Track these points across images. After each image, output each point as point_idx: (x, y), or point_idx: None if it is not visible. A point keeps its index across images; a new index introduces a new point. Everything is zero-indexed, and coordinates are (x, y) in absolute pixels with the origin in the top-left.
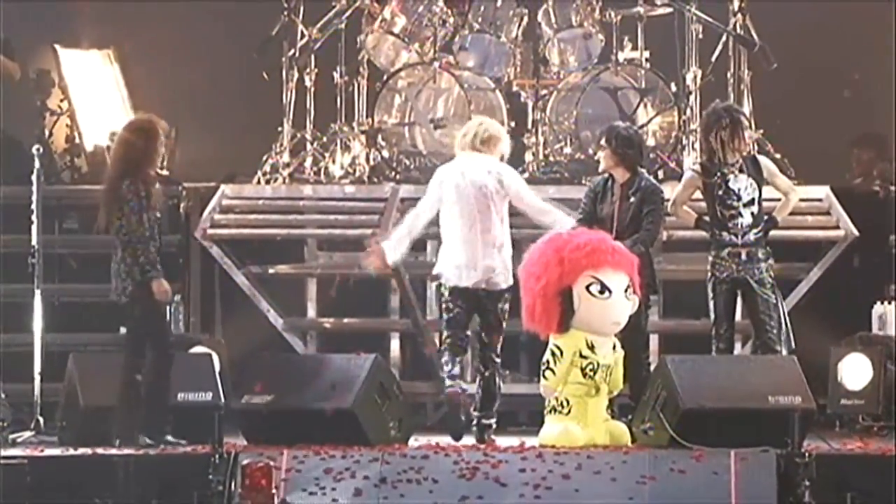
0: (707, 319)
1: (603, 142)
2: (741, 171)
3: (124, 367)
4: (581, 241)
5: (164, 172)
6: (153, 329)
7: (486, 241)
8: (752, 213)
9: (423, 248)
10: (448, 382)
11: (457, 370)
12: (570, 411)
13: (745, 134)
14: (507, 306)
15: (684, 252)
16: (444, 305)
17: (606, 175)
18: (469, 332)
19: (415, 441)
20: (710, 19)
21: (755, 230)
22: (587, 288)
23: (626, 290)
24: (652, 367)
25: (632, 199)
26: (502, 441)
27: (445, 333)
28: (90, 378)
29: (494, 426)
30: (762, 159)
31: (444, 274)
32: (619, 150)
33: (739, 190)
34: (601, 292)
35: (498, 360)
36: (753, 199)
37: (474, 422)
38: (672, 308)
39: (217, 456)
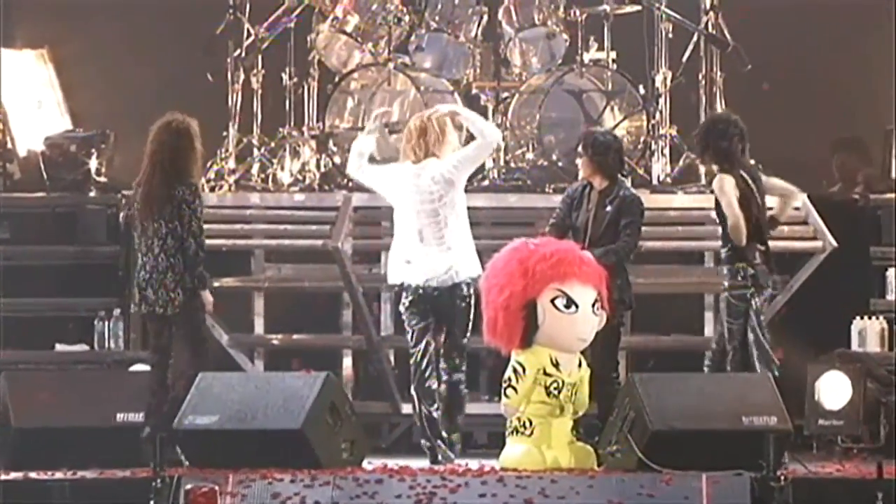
0: (677, 335)
1: (580, 148)
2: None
3: (173, 384)
4: (547, 251)
5: (102, 179)
6: (198, 342)
7: (440, 245)
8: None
9: (377, 260)
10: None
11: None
12: (532, 432)
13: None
14: (467, 302)
15: (654, 264)
16: (404, 312)
17: (585, 182)
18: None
19: (368, 464)
20: (680, 18)
21: (723, 248)
22: (552, 301)
23: (593, 305)
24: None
25: (608, 209)
26: (461, 464)
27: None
28: (22, 398)
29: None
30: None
31: (394, 276)
32: (595, 157)
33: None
34: (567, 306)
35: (462, 365)
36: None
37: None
38: (641, 323)
39: (159, 480)
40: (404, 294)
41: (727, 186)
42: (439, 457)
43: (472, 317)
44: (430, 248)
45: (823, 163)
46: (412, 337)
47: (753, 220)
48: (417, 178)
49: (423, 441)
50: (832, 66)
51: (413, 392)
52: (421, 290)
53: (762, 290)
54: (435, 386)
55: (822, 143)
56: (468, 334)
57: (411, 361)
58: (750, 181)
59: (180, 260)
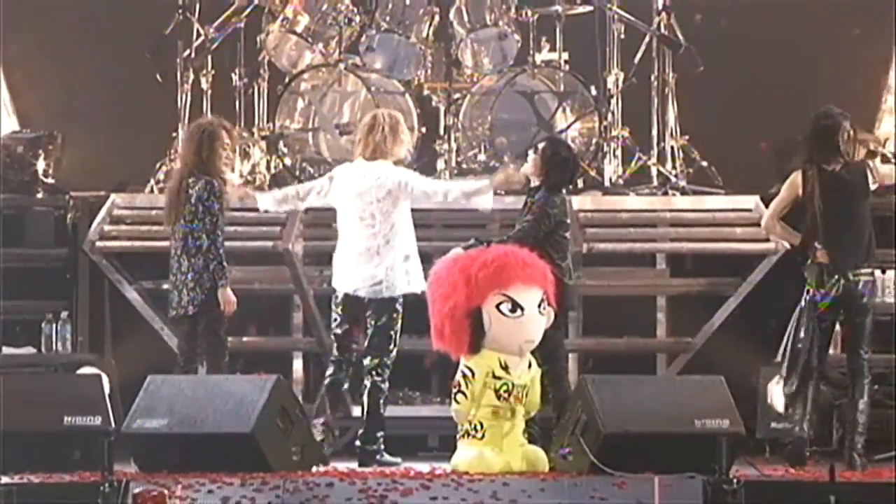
0: (630, 337)
1: (541, 146)
2: None
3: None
4: (488, 257)
5: (50, 181)
6: (215, 343)
7: (370, 251)
8: None
9: (327, 262)
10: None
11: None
12: (484, 435)
13: None
14: (391, 316)
15: (605, 266)
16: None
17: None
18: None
19: (318, 468)
20: (632, 18)
21: None
22: (498, 307)
23: (539, 305)
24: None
25: (526, 214)
26: (412, 467)
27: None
28: None
29: (380, 455)
30: None
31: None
32: (543, 161)
33: None
34: (513, 310)
35: (381, 376)
36: None
37: (358, 445)
38: (593, 326)
39: (107, 484)
40: (334, 297)
41: (787, 181)
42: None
43: (397, 330)
44: (360, 259)
45: (776, 164)
46: (334, 341)
47: (812, 217)
48: (362, 178)
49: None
50: (785, 68)
51: (325, 398)
52: (348, 298)
53: (817, 288)
54: (336, 382)
55: (774, 145)
56: (393, 346)
57: (329, 371)
58: (838, 178)
59: (200, 259)
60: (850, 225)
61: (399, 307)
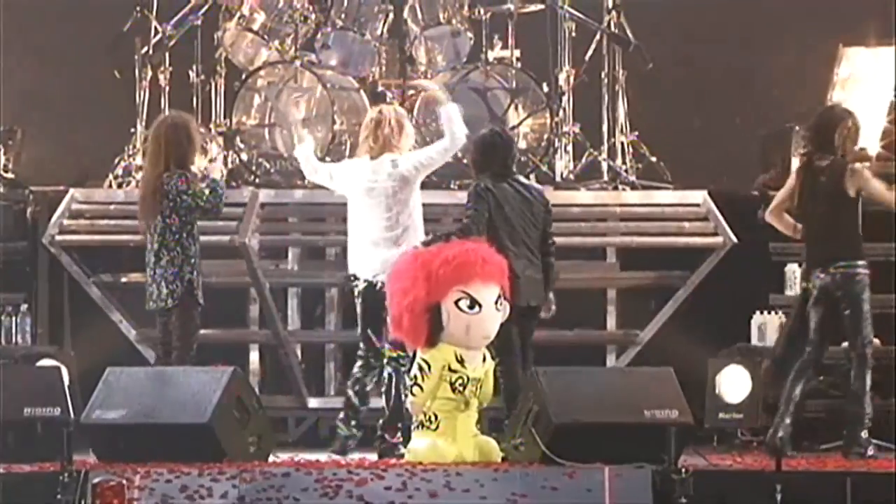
0: (581, 330)
1: None
2: None
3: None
4: (449, 254)
5: (9, 175)
6: (184, 336)
7: (389, 240)
8: None
9: (283, 256)
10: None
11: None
12: (438, 426)
13: None
14: None
15: (557, 260)
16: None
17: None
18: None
19: (275, 458)
20: (583, 16)
21: None
22: (456, 303)
23: (496, 302)
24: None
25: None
26: (367, 457)
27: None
28: None
29: (398, 443)
30: None
31: (350, 266)
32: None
33: None
34: (471, 307)
35: (404, 366)
36: None
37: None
38: (544, 318)
39: (66, 474)
40: (355, 285)
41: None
42: (348, 449)
43: None
44: (379, 246)
45: (723, 159)
46: (361, 339)
47: (796, 210)
48: (373, 174)
49: (340, 428)
50: (732, 64)
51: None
52: (368, 285)
53: (804, 280)
54: (362, 376)
55: (722, 140)
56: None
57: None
58: (820, 172)
59: (179, 252)
60: (825, 219)
61: None
